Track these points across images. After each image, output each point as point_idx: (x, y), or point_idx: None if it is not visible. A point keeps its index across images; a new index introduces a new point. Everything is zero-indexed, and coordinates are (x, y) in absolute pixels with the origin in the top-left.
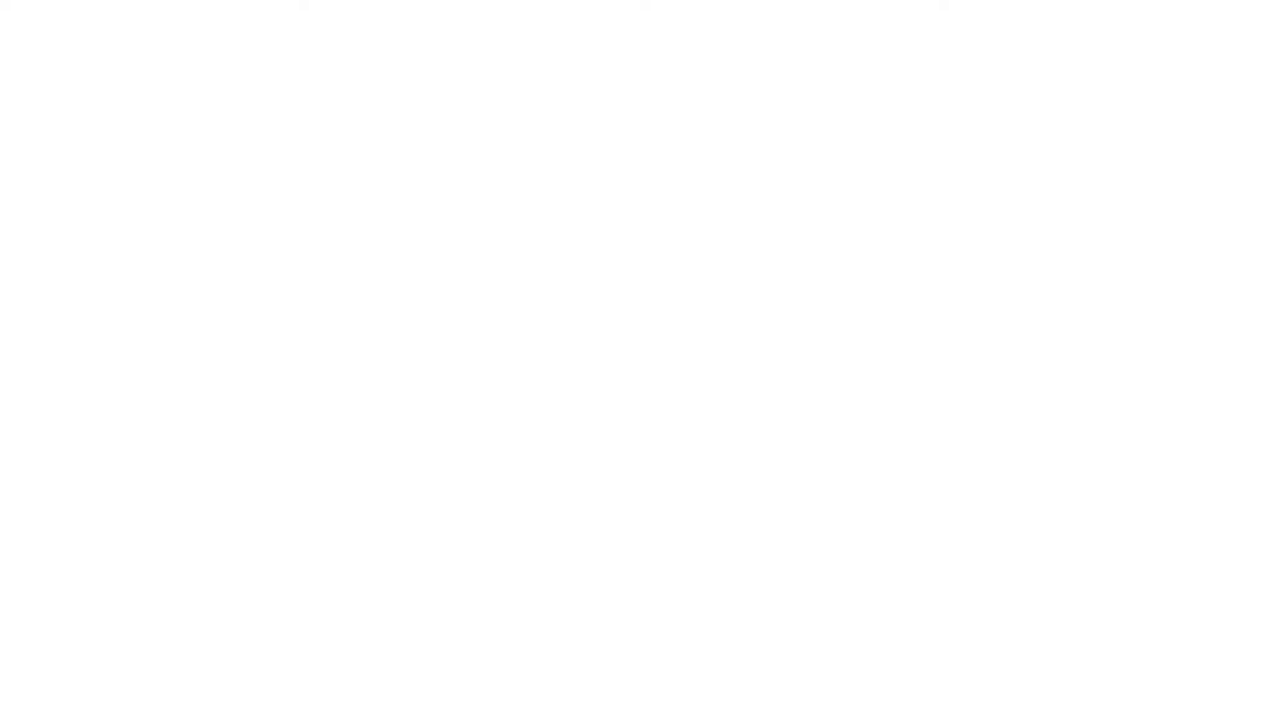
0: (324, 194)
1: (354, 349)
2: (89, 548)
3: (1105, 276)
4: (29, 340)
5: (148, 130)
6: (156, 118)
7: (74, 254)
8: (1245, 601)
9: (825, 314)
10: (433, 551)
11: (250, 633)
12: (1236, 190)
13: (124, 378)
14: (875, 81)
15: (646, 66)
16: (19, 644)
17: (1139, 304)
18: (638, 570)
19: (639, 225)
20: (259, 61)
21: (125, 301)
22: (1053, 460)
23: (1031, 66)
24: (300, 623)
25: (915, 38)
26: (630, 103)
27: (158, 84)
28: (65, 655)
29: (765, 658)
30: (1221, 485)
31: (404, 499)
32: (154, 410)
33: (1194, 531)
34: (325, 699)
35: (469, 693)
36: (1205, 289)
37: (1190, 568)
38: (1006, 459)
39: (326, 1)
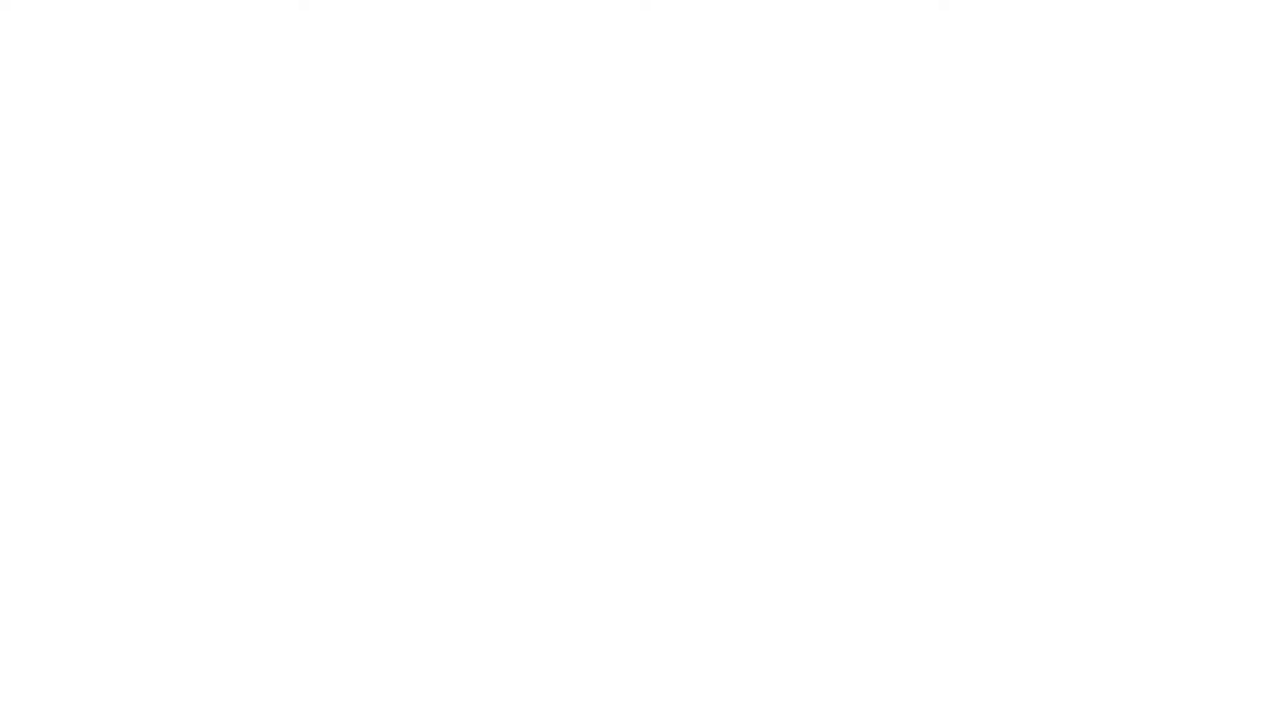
0: (324, 193)
1: (354, 348)
2: (89, 547)
3: (1104, 275)
4: (29, 339)
5: (148, 129)
6: (156, 117)
7: (74, 253)
8: (1245, 602)
9: (825, 313)
10: (432, 550)
11: (250, 632)
12: (1236, 190)
13: (124, 376)
14: (875, 81)
15: (646, 66)
16: (19, 644)
17: (1138, 303)
18: (637, 570)
19: (639, 224)
20: (259, 61)
21: (125, 300)
22: (1052, 459)
23: (1031, 66)
24: (300, 622)
25: (915, 38)
26: (630, 102)
27: (158, 84)
28: (65, 655)
29: (765, 657)
30: (1221, 485)
31: (403, 497)
32: (153, 408)
33: (1194, 531)
34: (325, 699)
35: (469, 693)
36: (1205, 288)
37: (1190, 567)
38: (1006, 458)
39: (326, 1)
